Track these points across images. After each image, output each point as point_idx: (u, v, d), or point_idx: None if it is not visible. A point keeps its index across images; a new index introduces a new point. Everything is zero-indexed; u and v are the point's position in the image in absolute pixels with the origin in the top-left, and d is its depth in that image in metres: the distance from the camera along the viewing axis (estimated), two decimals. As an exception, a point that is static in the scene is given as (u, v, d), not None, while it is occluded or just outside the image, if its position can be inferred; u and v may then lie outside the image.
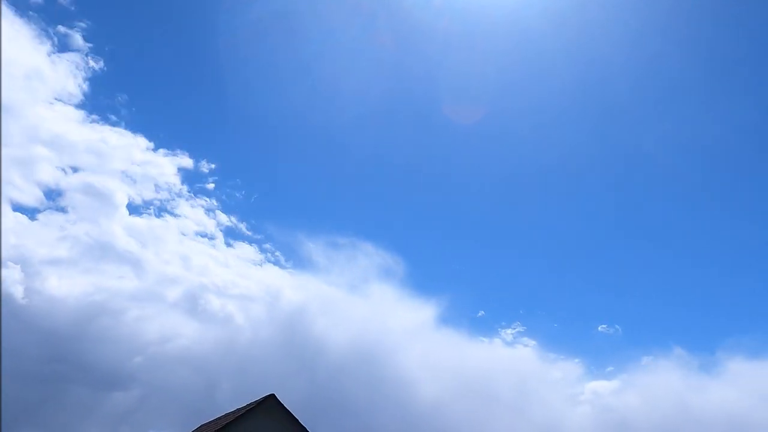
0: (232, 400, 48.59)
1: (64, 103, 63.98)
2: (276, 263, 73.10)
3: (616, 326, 74.41)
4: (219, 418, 25.96)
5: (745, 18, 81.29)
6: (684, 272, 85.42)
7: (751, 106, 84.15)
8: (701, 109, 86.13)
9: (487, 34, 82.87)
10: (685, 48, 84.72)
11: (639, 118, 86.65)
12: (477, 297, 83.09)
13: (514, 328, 73.55)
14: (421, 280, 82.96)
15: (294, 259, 74.92)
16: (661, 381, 65.75)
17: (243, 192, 78.78)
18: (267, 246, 74.30)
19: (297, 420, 23.51)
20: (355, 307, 68.67)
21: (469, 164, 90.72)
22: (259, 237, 76.48)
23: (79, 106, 65.69)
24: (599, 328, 75.13)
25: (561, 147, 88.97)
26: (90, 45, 66.90)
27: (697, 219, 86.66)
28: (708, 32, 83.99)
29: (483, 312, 79.26)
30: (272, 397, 23.79)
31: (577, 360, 72.35)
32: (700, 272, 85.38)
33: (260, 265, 72.41)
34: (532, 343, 72.78)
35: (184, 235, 69.06)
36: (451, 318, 74.08)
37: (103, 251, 59.92)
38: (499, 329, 74.82)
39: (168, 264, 65.39)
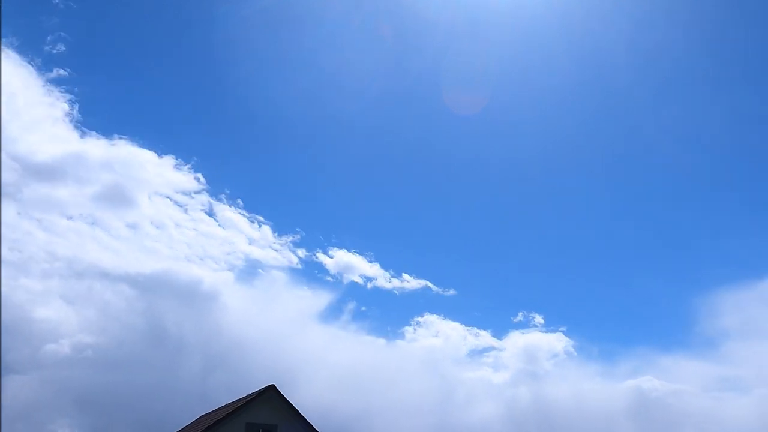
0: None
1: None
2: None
3: (537, 315, 72.99)
4: (219, 409, 26.01)
5: (750, 6, 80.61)
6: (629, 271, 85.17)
7: (756, 95, 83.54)
8: (705, 99, 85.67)
9: (489, 24, 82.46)
10: (690, 36, 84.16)
11: (641, 109, 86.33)
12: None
13: (425, 318, 71.86)
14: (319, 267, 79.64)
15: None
16: (566, 375, 66.59)
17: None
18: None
19: (297, 410, 23.51)
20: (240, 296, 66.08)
21: (464, 155, 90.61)
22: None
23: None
24: (515, 319, 73.92)
25: (558, 139, 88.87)
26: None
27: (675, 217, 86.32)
28: (712, 20, 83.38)
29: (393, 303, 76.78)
30: (272, 387, 23.80)
31: (492, 352, 70.76)
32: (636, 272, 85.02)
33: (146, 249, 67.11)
34: (453, 329, 71.36)
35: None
36: (357, 310, 72.53)
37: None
38: (412, 321, 73.20)
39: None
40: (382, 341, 69.70)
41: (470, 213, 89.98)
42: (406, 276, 72.79)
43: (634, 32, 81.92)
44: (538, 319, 71.46)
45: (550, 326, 71.58)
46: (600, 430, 57.17)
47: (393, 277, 73.16)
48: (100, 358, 52.29)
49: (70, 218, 61.75)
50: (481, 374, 68.26)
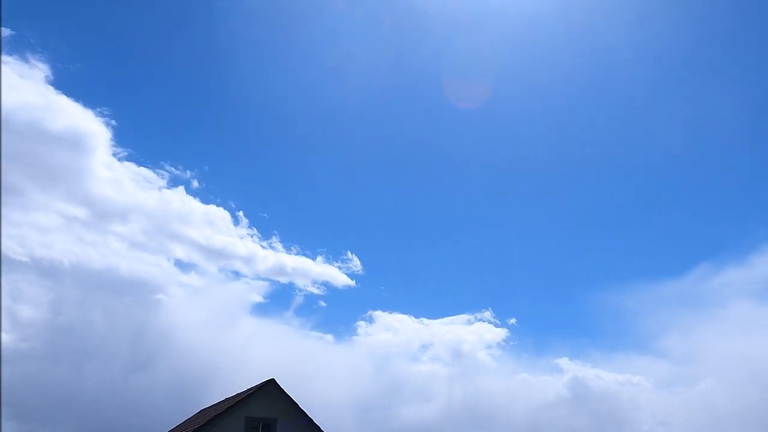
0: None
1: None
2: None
3: (486, 309, 73.86)
4: (219, 403, 25.91)
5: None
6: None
7: (760, 90, 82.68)
8: (713, 93, 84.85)
9: (491, 17, 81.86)
10: (693, 29, 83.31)
11: (647, 104, 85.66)
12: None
13: (379, 313, 72.23)
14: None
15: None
16: (512, 368, 68.35)
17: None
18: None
19: (297, 404, 23.38)
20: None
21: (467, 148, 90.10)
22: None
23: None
24: (466, 313, 74.53)
25: (559, 134, 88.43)
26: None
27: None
28: (717, 12, 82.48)
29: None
30: (272, 381, 23.67)
31: (440, 345, 71.02)
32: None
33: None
34: (404, 324, 71.39)
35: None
36: (307, 306, 72.40)
37: None
38: (364, 316, 73.05)
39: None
40: (329, 337, 69.92)
41: (469, 210, 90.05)
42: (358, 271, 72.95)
43: (637, 25, 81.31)
44: (487, 313, 72.68)
45: (499, 319, 73.30)
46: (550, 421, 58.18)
47: (353, 274, 73.61)
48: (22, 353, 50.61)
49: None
50: (430, 368, 69.22)
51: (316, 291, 71.15)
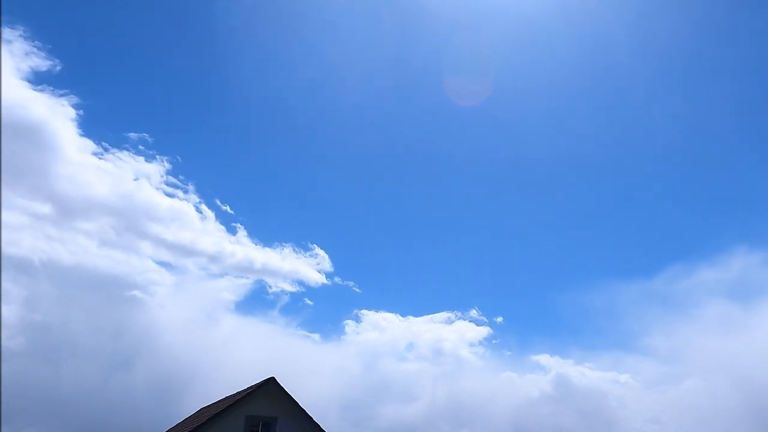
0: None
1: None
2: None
3: (473, 308, 74.42)
4: (219, 401, 26.08)
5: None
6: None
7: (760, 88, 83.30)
8: (716, 91, 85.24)
9: (491, 15, 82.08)
10: (694, 27, 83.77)
11: (648, 105, 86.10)
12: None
13: (366, 312, 72.51)
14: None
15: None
16: (496, 366, 68.95)
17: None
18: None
19: (297, 402, 23.60)
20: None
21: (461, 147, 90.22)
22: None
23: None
24: (451, 311, 74.76)
25: (560, 132, 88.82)
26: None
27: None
28: (717, 9, 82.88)
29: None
30: (272, 380, 23.90)
31: (426, 343, 71.33)
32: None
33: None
34: (392, 323, 71.48)
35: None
36: (293, 305, 72.03)
37: None
38: (351, 314, 73.36)
39: None
40: (316, 336, 70.10)
41: (458, 209, 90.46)
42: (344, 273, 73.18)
43: (637, 25, 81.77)
44: (474, 311, 73.07)
45: (486, 317, 73.98)
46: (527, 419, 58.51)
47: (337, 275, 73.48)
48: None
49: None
50: (416, 366, 69.54)
51: (289, 288, 71.13)
